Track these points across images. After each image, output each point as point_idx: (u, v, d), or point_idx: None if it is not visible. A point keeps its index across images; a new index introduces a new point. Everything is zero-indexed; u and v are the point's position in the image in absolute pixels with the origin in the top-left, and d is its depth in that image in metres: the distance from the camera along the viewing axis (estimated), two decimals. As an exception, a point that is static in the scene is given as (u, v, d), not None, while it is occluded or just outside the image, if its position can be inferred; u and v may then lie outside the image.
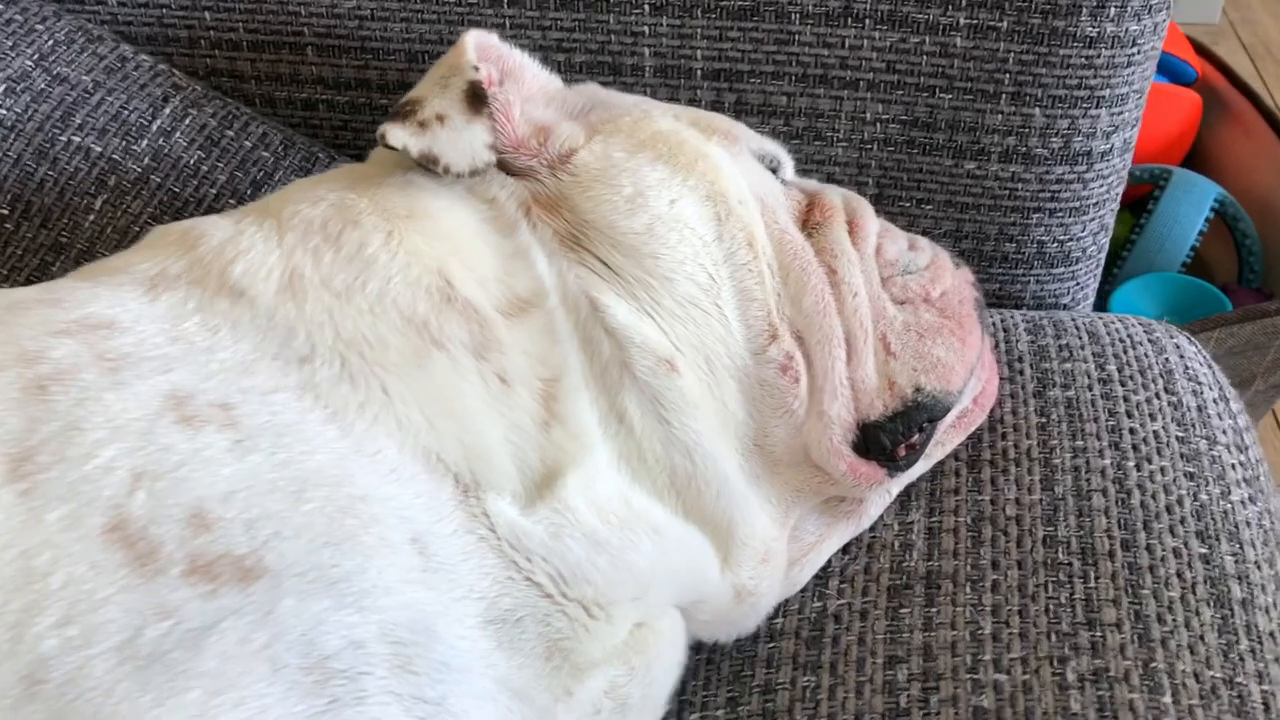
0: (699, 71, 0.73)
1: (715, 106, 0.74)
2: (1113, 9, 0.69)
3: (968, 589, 0.58)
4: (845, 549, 0.62)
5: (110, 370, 0.43)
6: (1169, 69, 1.44)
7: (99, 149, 0.70)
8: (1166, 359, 0.71)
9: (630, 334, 0.52)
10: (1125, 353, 0.71)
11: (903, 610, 0.58)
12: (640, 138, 0.57)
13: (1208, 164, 1.45)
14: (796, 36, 0.71)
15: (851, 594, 0.60)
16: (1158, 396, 0.68)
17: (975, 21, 0.70)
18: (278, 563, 0.39)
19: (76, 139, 0.70)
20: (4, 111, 0.69)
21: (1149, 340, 0.72)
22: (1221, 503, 0.62)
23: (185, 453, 0.41)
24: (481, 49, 0.57)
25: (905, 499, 0.63)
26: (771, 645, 0.59)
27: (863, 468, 0.57)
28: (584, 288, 0.52)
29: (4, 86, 0.69)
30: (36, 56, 0.71)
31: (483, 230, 0.54)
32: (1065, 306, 0.82)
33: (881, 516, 0.63)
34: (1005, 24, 0.70)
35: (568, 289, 0.53)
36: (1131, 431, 0.65)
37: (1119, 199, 0.81)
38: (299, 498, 0.41)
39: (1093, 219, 0.78)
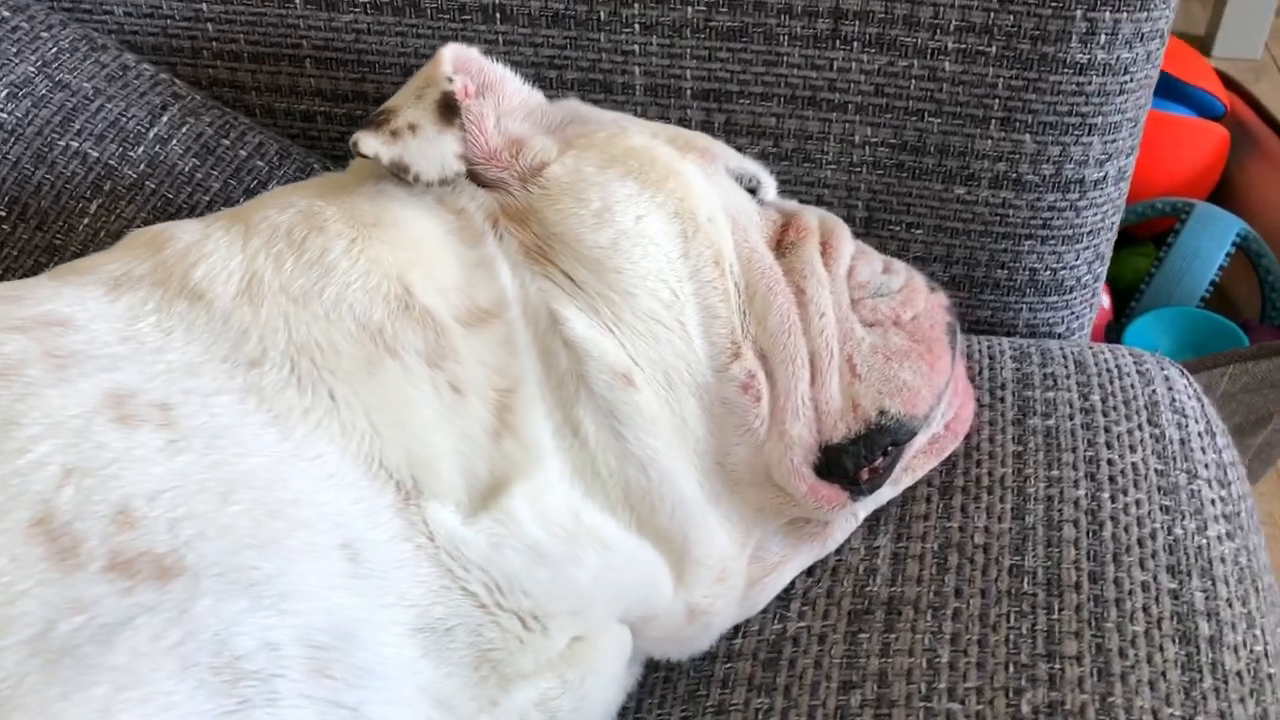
0: (689, 91, 0.74)
1: (705, 126, 0.74)
2: (1103, 36, 0.68)
3: (928, 616, 0.58)
4: (809, 572, 0.61)
5: (56, 367, 0.44)
6: (1197, 102, 1.43)
7: (96, 154, 0.71)
8: (1153, 391, 0.70)
9: (588, 347, 0.52)
10: (1111, 383, 0.70)
11: (861, 635, 0.58)
12: (612, 153, 0.57)
13: (1235, 199, 1.43)
14: (785, 58, 0.72)
15: (812, 617, 0.59)
16: (1140, 428, 0.67)
17: (963, 46, 0.70)
18: (198, 562, 0.39)
19: (75, 144, 0.71)
20: (5, 115, 0.71)
21: (1137, 371, 0.71)
22: (1197, 538, 0.61)
23: (118, 451, 0.41)
24: (459, 62, 0.58)
25: (874, 524, 0.63)
26: (728, 666, 0.58)
27: (824, 490, 0.56)
28: (545, 300, 0.53)
29: (6, 91, 0.71)
30: (40, 63, 0.73)
31: (449, 240, 0.54)
32: (1060, 335, 0.81)
33: (848, 540, 0.62)
34: (994, 49, 0.69)
35: (529, 300, 0.53)
36: (1110, 462, 0.64)
37: (1115, 228, 0.80)
38: (226, 499, 0.41)
39: (1087, 247, 0.77)
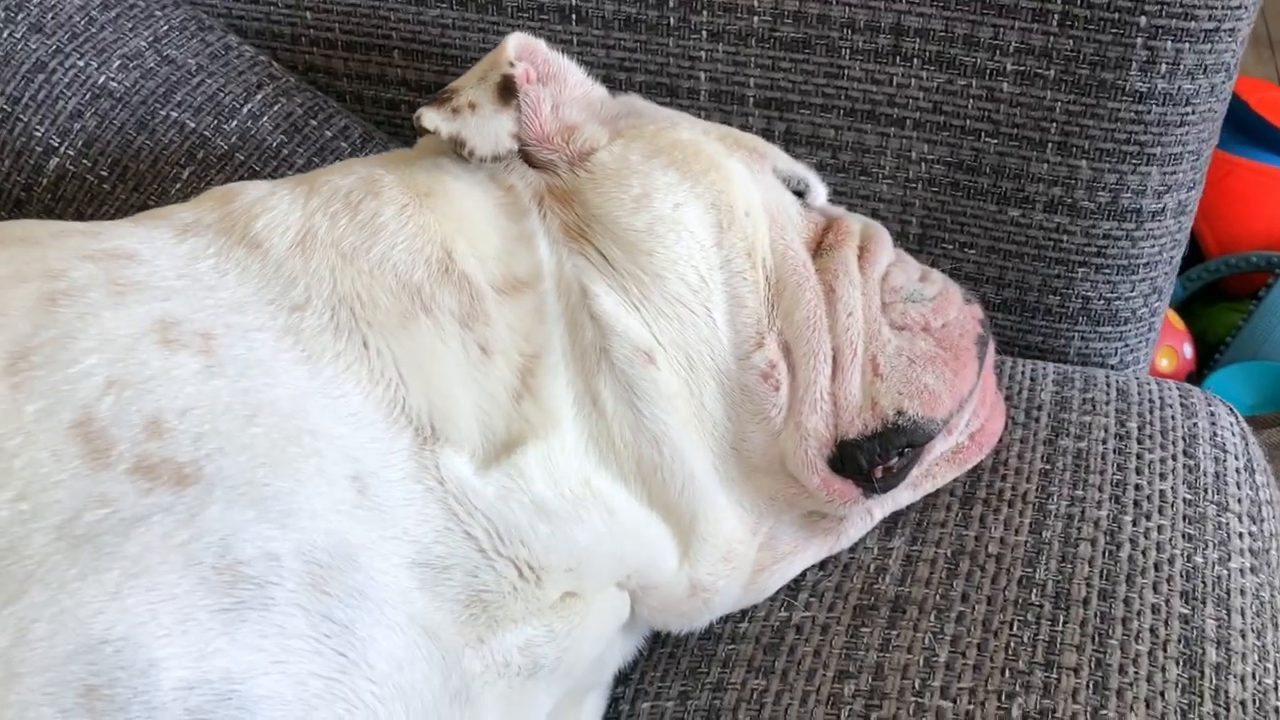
0: (751, 99, 0.76)
1: (765, 134, 0.77)
2: (1164, 65, 0.69)
3: (932, 617, 0.58)
4: (821, 565, 0.62)
5: (116, 293, 0.48)
6: (1302, 156, 1.40)
7: (193, 125, 0.76)
8: (1194, 424, 0.69)
9: (613, 322, 0.54)
10: (1150, 412, 0.70)
11: (863, 629, 0.58)
12: (659, 144, 0.59)
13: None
14: (846, 71, 0.73)
15: (818, 608, 0.60)
16: (1174, 458, 0.66)
17: (1022, 68, 0.70)
18: (215, 473, 0.43)
19: (175, 114, 0.76)
20: (115, 84, 0.76)
21: (1181, 404, 0.71)
22: (1217, 568, 0.60)
23: (157, 369, 0.45)
24: (523, 49, 0.61)
25: (891, 525, 0.64)
26: (731, 647, 0.60)
27: (836, 484, 0.58)
28: (579, 275, 0.55)
29: (119, 62, 0.77)
30: (151, 39, 0.78)
31: (495, 214, 0.57)
32: (1112, 367, 0.81)
33: (863, 539, 0.63)
34: (1052, 72, 0.70)
35: (563, 275, 0.55)
36: (1137, 488, 0.64)
37: (1176, 262, 0.79)
38: (250, 421, 0.45)
39: (1143, 279, 0.77)
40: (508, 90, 0.59)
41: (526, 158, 0.59)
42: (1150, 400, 0.71)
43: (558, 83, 0.62)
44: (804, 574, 0.62)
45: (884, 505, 0.63)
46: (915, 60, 0.72)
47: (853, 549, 0.63)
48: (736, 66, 0.75)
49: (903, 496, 0.63)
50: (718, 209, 0.57)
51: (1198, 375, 1.25)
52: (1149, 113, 0.70)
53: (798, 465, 0.57)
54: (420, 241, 0.54)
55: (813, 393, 0.57)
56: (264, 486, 0.43)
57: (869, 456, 0.57)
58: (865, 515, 0.63)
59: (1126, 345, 0.80)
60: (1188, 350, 1.25)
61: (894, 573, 0.61)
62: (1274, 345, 1.22)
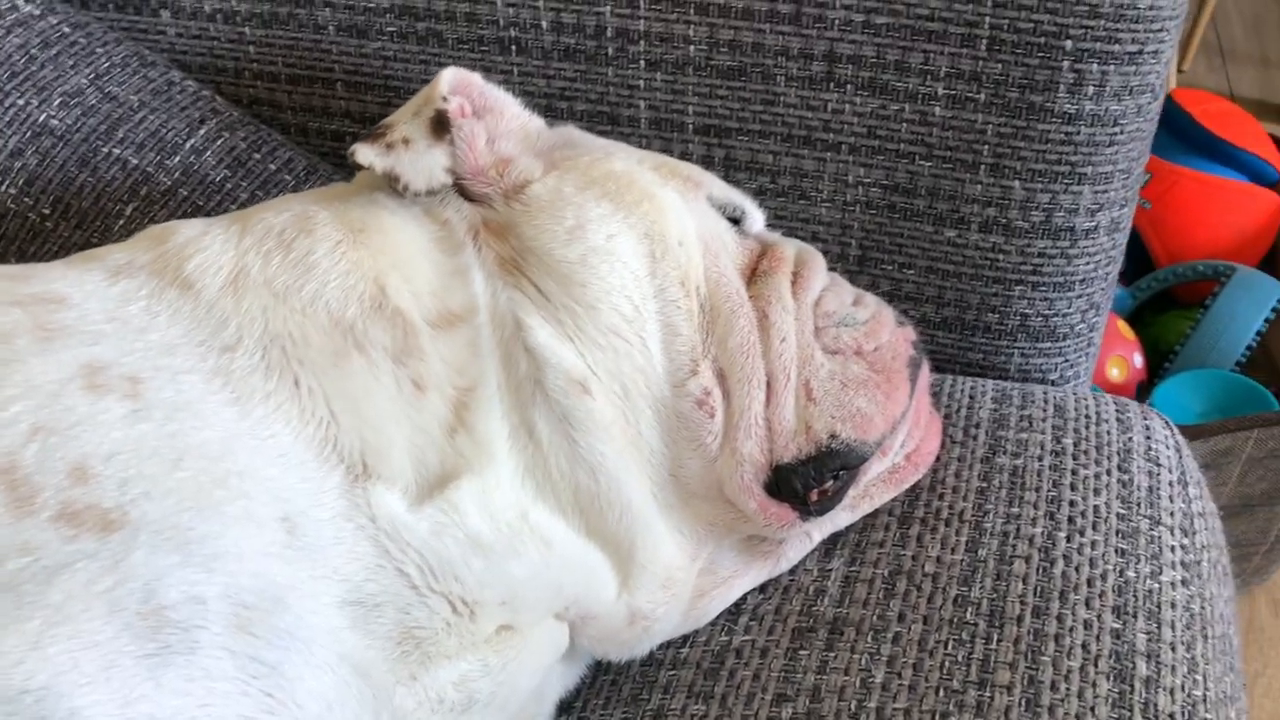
0: (690, 126, 0.77)
1: (705, 161, 0.78)
2: (1091, 88, 0.70)
3: (869, 638, 0.59)
4: (762, 589, 0.63)
5: (44, 338, 0.48)
6: (1249, 168, 1.42)
7: (135, 161, 0.77)
8: (1129, 438, 0.70)
9: (547, 354, 0.55)
10: (1086, 428, 0.71)
11: (802, 652, 0.59)
12: (593, 175, 0.60)
13: (1288, 266, 1.41)
14: (781, 98, 0.74)
15: (757, 631, 0.61)
16: (1108, 473, 0.67)
17: (953, 92, 0.72)
18: (140, 519, 0.43)
19: (117, 151, 0.77)
20: (56, 122, 0.76)
21: (1117, 419, 0.72)
22: (1149, 581, 0.61)
23: (83, 415, 0.45)
24: (457, 84, 0.61)
25: (830, 547, 0.64)
26: (672, 673, 0.60)
27: (773, 508, 0.58)
28: (513, 308, 0.56)
29: (60, 100, 0.77)
30: (93, 75, 0.78)
31: (430, 248, 0.58)
32: (1053, 382, 0.82)
33: (803, 561, 0.64)
34: (983, 96, 0.71)
35: (498, 308, 0.56)
36: (1071, 504, 0.65)
37: (1112, 278, 0.81)
38: (176, 465, 0.45)
39: (1079, 296, 0.78)
40: (441, 125, 0.59)
41: (462, 191, 0.60)
42: (1086, 415, 0.72)
43: (494, 116, 0.63)
44: (745, 597, 0.63)
45: (822, 527, 0.64)
46: (849, 86, 0.73)
47: (793, 571, 0.63)
48: (675, 95, 0.76)
49: (841, 518, 0.64)
50: (651, 239, 0.58)
51: (1149, 384, 1.26)
52: (1078, 134, 0.71)
53: (735, 490, 0.58)
54: (353, 278, 0.55)
55: (748, 418, 0.57)
56: (189, 530, 0.44)
57: (804, 480, 0.58)
58: (804, 537, 0.64)
59: (1066, 360, 0.81)
60: (1138, 360, 1.27)
61: (832, 594, 0.62)
62: (1221, 353, 1.24)
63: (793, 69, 0.73)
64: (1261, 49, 2.53)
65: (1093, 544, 0.63)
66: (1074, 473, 0.67)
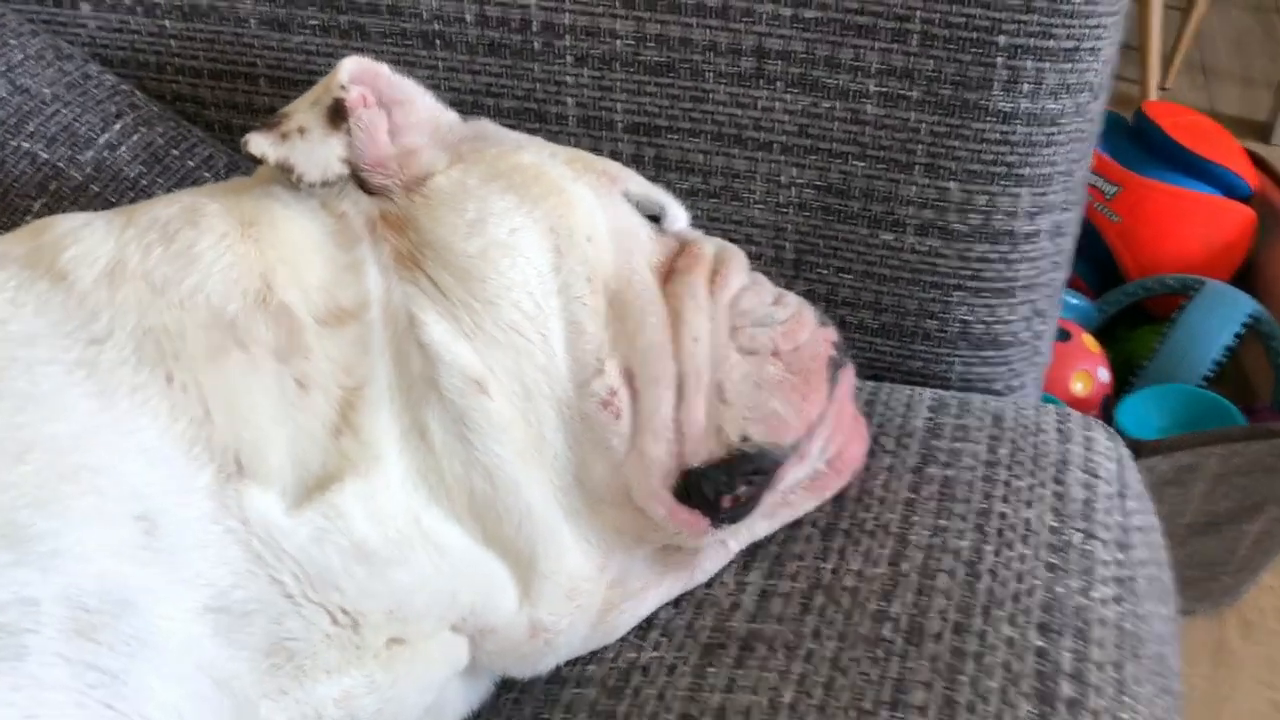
0: (620, 124, 0.74)
1: (635, 159, 0.75)
2: (1026, 85, 0.68)
3: (780, 655, 0.56)
4: (676, 603, 0.60)
5: None
6: (1221, 181, 1.40)
7: (46, 156, 0.74)
8: (1067, 449, 0.68)
9: (441, 351, 0.52)
10: (1024, 439, 0.68)
11: (710, 669, 0.56)
12: (499, 168, 0.58)
13: (1259, 281, 1.39)
14: (711, 95, 0.72)
15: (667, 648, 0.58)
16: (1042, 485, 0.65)
17: (885, 90, 0.69)
18: None
19: (26, 145, 0.74)
20: (-37, 115, 0.74)
21: (1057, 430, 0.69)
22: (1079, 598, 0.59)
23: None
24: (361, 73, 0.59)
25: (749, 559, 0.62)
26: (576, 691, 0.57)
27: (683, 514, 0.56)
28: (407, 303, 0.53)
29: (-32, 93, 0.74)
30: (4, 67, 0.76)
31: (323, 242, 0.55)
32: (998, 392, 0.80)
33: (720, 574, 0.61)
34: (915, 93, 0.69)
35: (392, 303, 0.53)
36: (1001, 516, 0.62)
37: (1058, 284, 0.78)
38: (19, 459, 0.42)
39: (1022, 302, 0.76)
40: (338, 114, 0.57)
41: (362, 184, 0.58)
42: (1024, 426, 0.69)
43: (402, 107, 0.60)
44: (657, 612, 0.60)
45: (739, 537, 0.61)
46: (779, 83, 0.71)
47: (709, 584, 0.61)
48: (603, 91, 0.74)
49: (759, 527, 0.62)
50: (556, 234, 0.56)
51: (1115, 398, 1.24)
52: (1014, 133, 0.69)
53: (643, 496, 0.55)
54: (237, 272, 0.52)
55: (656, 420, 0.55)
56: (27, 528, 0.41)
57: (715, 485, 0.55)
58: (720, 547, 0.61)
59: (1011, 369, 0.79)
60: (1103, 374, 1.24)
61: (747, 609, 0.59)
62: (1188, 368, 1.22)
63: (721, 64, 0.71)
64: (1244, 67, 2.52)
65: (1021, 558, 0.60)
66: (1007, 484, 0.64)
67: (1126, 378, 1.29)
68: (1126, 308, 1.35)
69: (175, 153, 0.77)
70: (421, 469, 0.52)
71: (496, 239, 0.55)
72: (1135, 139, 1.41)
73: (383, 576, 0.49)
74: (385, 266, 0.55)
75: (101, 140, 0.76)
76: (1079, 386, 1.21)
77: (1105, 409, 1.23)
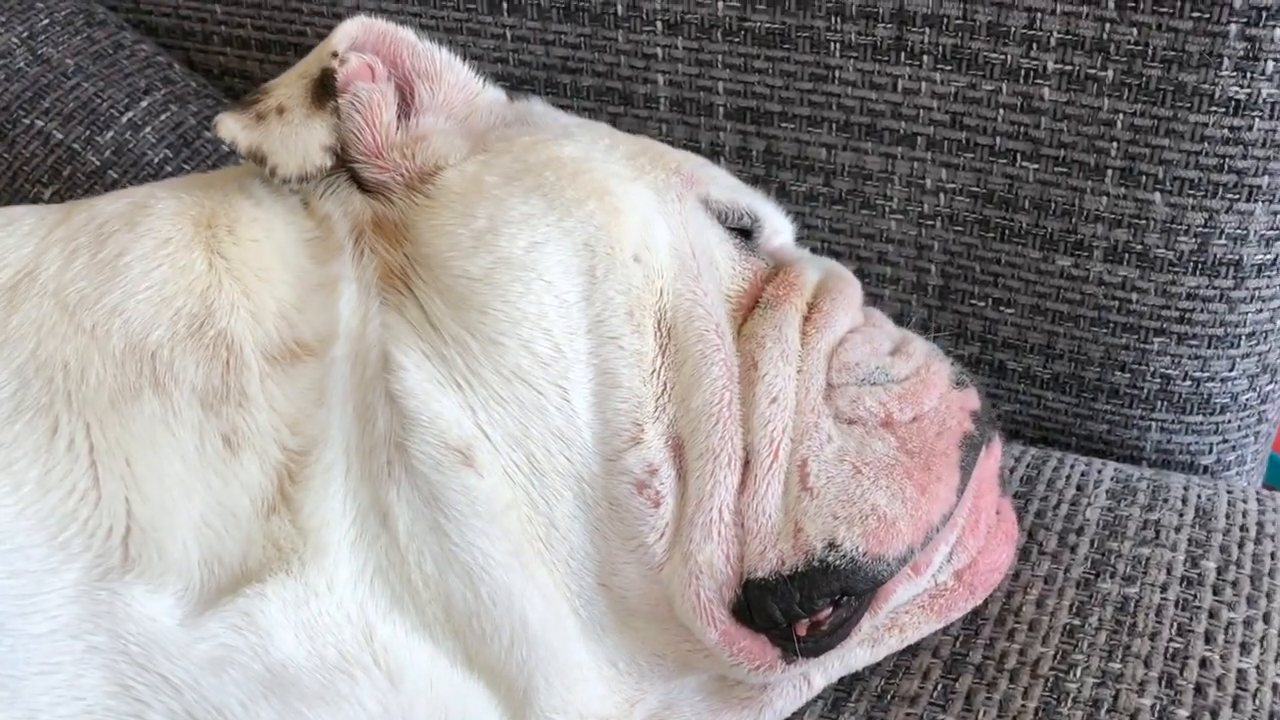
0: (721, 108, 0.60)
1: (741, 154, 0.61)
2: (1270, 63, 0.50)
3: None
4: (736, 750, 0.45)
5: None
6: None
7: (60, 136, 0.65)
8: (1305, 565, 0.50)
9: (416, 407, 0.40)
10: (1240, 546, 0.52)
11: None
12: (529, 162, 0.46)
13: None
14: (837, 73, 0.58)
15: (717, 816, 0.43)
16: (1265, 619, 0.48)
17: (1069, 68, 0.54)
18: None
19: (40, 123, 0.66)
20: (-26, 87, 0.65)
21: (1290, 534, 0.51)
22: (1316, 801, 0.41)
23: None
24: (368, 39, 0.48)
25: (841, 695, 0.47)
26: None
27: (743, 640, 0.42)
28: (384, 339, 0.41)
29: (-18, 62, 0.66)
30: (25, 34, 0.68)
31: (295, 252, 0.45)
32: (1207, 470, 0.62)
33: (798, 715, 0.46)
34: (1111, 74, 0.53)
35: (365, 338, 0.42)
36: (1204, 664, 0.46)
37: (1297, 334, 0.59)
38: None
39: (1247, 354, 0.58)
40: (325, 90, 0.45)
41: (357, 179, 0.45)
42: (1242, 527, 0.53)
43: (427, 82, 0.49)
44: (709, 760, 0.45)
45: (827, 668, 0.46)
46: (925, 58, 0.57)
47: None
48: (700, 67, 0.60)
49: (856, 656, 0.48)
50: (593, 250, 0.43)
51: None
52: (1249, 129, 0.53)
53: (687, 612, 0.42)
54: (171, 289, 0.42)
55: (708, 511, 0.43)
56: None
57: (785, 605, 0.42)
58: (800, 682, 0.46)
59: (1226, 441, 0.62)
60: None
61: (831, 770, 0.44)
62: None
63: (850, 33, 0.57)
64: None
65: (1231, 730, 0.43)
66: (1212, 615, 0.49)
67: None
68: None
69: (208, 134, 0.68)
70: (381, 566, 0.41)
71: (509, 256, 0.43)
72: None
73: (299, 719, 0.36)
74: (367, 287, 0.43)
75: (124, 119, 0.66)
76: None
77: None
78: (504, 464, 0.41)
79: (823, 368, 0.45)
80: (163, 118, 0.67)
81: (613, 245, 0.44)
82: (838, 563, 0.42)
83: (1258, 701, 0.44)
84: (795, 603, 0.42)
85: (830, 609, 0.43)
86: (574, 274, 0.43)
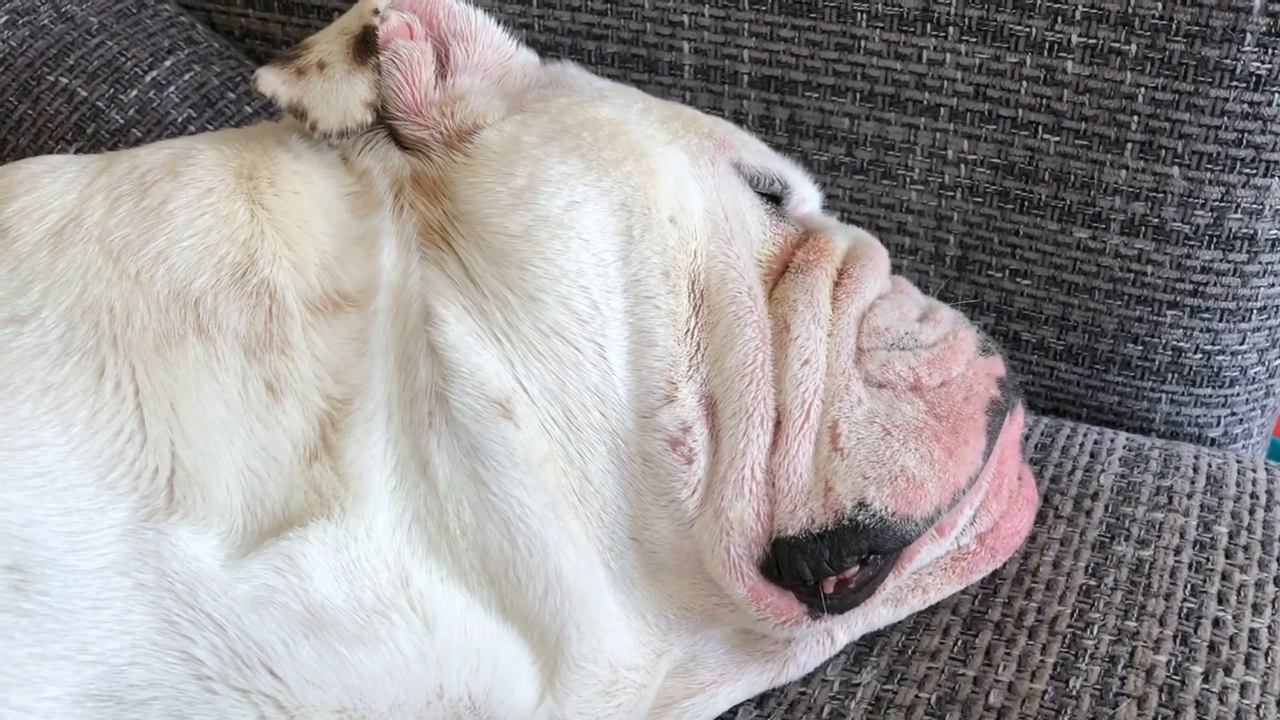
0: (745, 77, 0.61)
1: (764, 122, 0.61)
2: (1291, 39, 0.50)
3: (890, 796, 0.42)
4: (759, 702, 0.47)
5: None
6: None
7: (84, 93, 0.65)
8: (1314, 532, 0.51)
9: (457, 359, 0.41)
10: (1250, 513, 0.52)
11: (794, 804, 0.42)
12: (566, 123, 0.46)
13: None
14: (862, 43, 0.58)
15: (742, 764, 0.44)
16: (1276, 582, 0.48)
17: (1092, 41, 0.54)
18: None
19: (64, 80, 0.65)
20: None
21: (1299, 501, 0.52)
22: (1326, 755, 0.42)
23: None
24: None
25: (864, 650, 0.48)
26: (618, 809, 0.44)
27: (771, 596, 0.43)
28: (425, 292, 0.41)
29: (6, 18, 0.66)
30: (51, -9, 0.67)
31: (336, 205, 0.45)
32: (1214, 442, 0.63)
33: (821, 669, 0.47)
34: (1134, 48, 0.53)
35: (406, 290, 0.42)
36: (1217, 623, 0.47)
37: (1308, 309, 0.60)
38: None
39: (1257, 328, 0.59)
40: (366, 46, 0.45)
41: (395, 136, 0.46)
42: (1252, 495, 0.53)
43: (462, 42, 0.49)
44: (734, 711, 0.46)
45: (850, 625, 0.47)
46: (951, 29, 0.56)
47: (805, 681, 0.48)
48: (726, 35, 0.60)
49: (879, 614, 0.49)
50: (630, 211, 0.43)
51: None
52: (1269, 104, 0.53)
53: (717, 567, 0.43)
54: (215, 237, 0.42)
55: (739, 469, 0.43)
56: None
57: (814, 563, 0.42)
58: (824, 637, 0.47)
59: (1234, 414, 0.62)
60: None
61: (854, 721, 0.44)
62: None
63: (878, 3, 0.58)
64: None
65: (1243, 688, 0.44)
66: (1225, 577, 0.49)
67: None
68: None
69: (231, 95, 0.67)
70: (419, 514, 0.41)
71: (547, 214, 0.43)
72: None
73: (338, 659, 0.38)
74: (407, 241, 0.43)
75: (148, 78, 0.66)
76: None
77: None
78: (541, 417, 0.42)
79: (853, 332, 0.46)
80: (186, 77, 0.67)
81: (649, 206, 0.44)
82: (867, 522, 0.42)
83: (1270, 659, 0.45)
84: (824, 560, 0.42)
85: (857, 567, 0.43)
86: (611, 233, 0.43)
